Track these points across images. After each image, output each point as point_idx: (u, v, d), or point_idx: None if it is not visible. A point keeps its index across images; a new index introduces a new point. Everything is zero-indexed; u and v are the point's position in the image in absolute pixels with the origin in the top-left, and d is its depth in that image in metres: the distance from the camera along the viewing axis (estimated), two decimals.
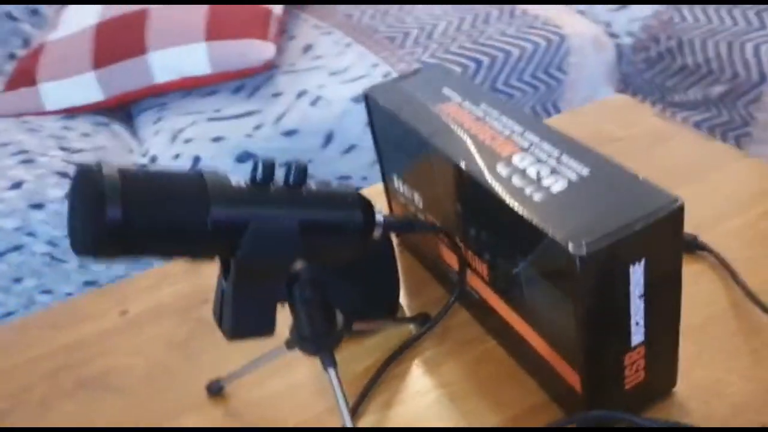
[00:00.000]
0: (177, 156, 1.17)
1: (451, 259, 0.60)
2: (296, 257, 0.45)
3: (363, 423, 0.53)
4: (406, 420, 0.54)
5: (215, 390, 0.58)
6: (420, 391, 0.56)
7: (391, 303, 0.61)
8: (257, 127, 1.19)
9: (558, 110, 1.41)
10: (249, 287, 0.45)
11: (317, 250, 0.47)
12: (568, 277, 0.43)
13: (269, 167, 0.44)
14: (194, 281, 0.72)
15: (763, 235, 0.64)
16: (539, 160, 0.49)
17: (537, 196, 0.46)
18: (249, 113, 1.21)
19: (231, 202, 0.42)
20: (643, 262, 0.43)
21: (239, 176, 0.45)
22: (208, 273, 0.71)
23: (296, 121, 1.20)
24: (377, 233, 0.50)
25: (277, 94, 1.25)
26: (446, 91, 0.60)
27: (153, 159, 1.19)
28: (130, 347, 0.66)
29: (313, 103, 1.22)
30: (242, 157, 1.17)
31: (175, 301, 0.70)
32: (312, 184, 0.47)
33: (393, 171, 0.65)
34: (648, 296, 0.45)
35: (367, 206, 0.49)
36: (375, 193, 0.79)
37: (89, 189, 0.39)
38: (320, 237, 0.47)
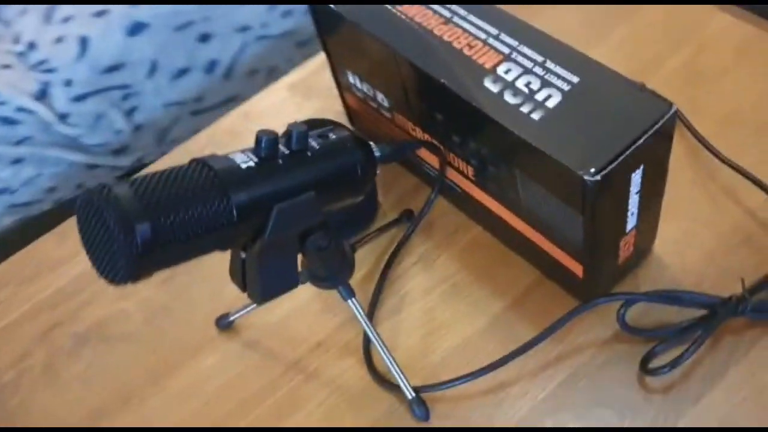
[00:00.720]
0: (59, 39, 1.06)
1: (426, 154, 0.61)
2: (317, 219, 0.45)
3: (380, 330, 0.57)
4: (422, 320, 0.58)
5: (225, 325, 0.60)
6: (423, 289, 0.59)
7: (374, 209, 0.63)
8: None
9: None
10: (273, 256, 0.45)
11: (330, 203, 0.47)
12: (575, 193, 0.45)
13: (272, 141, 0.43)
14: None
15: (701, 72, 0.68)
16: (526, 70, 0.49)
17: (535, 115, 0.46)
18: None
19: (248, 186, 0.41)
20: (641, 167, 0.46)
21: (239, 153, 0.43)
22: None
23: None
24: (379, 170, 0.50)
25: None
26: None
27: (31, 45, 1.07)
28: (114, 292, 0.65)
29: None
30: (134, 30, 1.08)
31: None
32: (312, 142, 0.45)
33: (346, 67, 0.63)
34: (642, 191, 0.48)
35: (365, 145, 0.49)
36: (311, 72, 0.77)
37: (110, 214, 0.37)
38: (332, 191, 0.46)
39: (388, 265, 0.60)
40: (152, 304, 0.63)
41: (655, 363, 0.51)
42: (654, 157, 0.47)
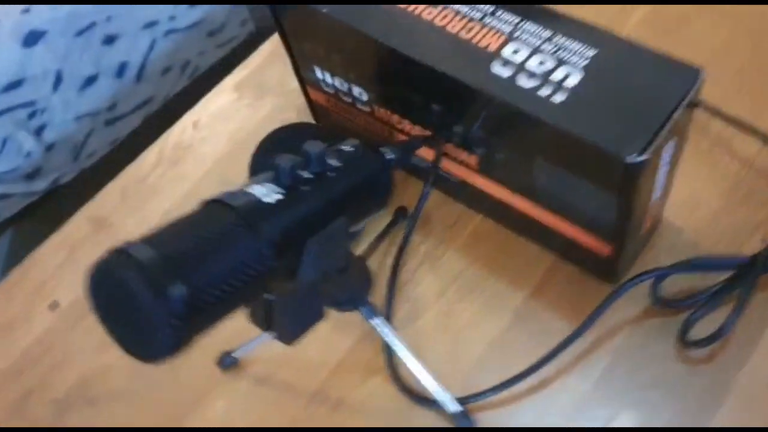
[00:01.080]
0: None
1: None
2: (348, 245, 0.41)
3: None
4: (442, 325, 0.54)
5: (228, 363, 0.54)
6: (435, 291, 0.56)
7: None
8: None
9: None
10: (303, 292, 0.40)
11: (357, 223, 0.42)
12: (611, 176, 0.42)
13: (295, 167, 0.38)
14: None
15: (666, 23, 0.67)
16: (535, 48, 0.45)
17: (556, 97, 0.43)
18: None
19: (280, 223, 0.36)
20: (674, 140, 0.44)
21: (256, 185, 0.38)
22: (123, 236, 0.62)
23: None
24: (393, 175, 0.45)
25: None
26: None
27: None
28: (91, 346, 0.58)
29: None
30: (30, 40, 0.97)
31: None
32: (329, 161, 0.41)
33: (312, 63, 0.58)
34: (670, 162, 0.46)
35: (377, 152, 0.44)
36: (257, 68, 0.71)
37: (137, 284, 0.31)
38: (360, 209, 0.42)
39: (395, 271, 0.56)
40: None
41: (693, 334, 0.49)
42: (682, 127, 0.45)
